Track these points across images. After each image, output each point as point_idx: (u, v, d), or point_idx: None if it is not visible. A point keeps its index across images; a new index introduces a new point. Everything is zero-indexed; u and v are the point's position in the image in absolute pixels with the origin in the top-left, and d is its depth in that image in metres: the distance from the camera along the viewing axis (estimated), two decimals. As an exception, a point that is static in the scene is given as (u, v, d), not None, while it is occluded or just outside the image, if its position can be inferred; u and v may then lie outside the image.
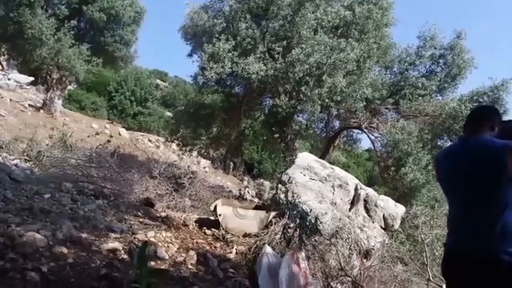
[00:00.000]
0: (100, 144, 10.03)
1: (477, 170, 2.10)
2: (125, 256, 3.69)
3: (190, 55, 10.31)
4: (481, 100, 8.52)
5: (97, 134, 13.74)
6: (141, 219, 5.35)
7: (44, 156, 7.59)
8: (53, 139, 9.38)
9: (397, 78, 10.28)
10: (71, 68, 13.01)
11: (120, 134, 16.69)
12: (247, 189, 13.27)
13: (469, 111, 8.16)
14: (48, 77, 14.13)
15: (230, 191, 11.73)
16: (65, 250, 3.37)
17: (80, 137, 10.54)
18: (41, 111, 14.37)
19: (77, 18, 13.13)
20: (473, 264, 2.04)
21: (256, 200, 10.08)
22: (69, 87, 17.72)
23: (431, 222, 5.78)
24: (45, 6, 12.79)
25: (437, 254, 5.44)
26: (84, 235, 3.93)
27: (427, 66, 10.16)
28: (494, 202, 2.04)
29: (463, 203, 2.19)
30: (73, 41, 12.77)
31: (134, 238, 4.39)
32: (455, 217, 2.29)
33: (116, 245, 3.89)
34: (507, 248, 1.95)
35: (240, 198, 9.88)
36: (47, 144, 8.65)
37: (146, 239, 4.43)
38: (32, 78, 18.74)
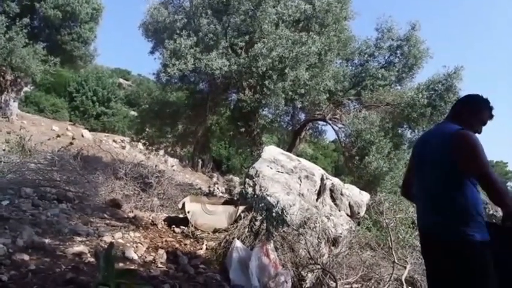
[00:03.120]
0: (62, 147, 9.67)
1: (435, 156, 2.22)
2: (92, 259, 3.60)
3: (152, 52, 10.16)
4: (436, 88, 8.91)
5: (58, 136, 13.24)
6: (107, 221, 5.23)
7: (0, 162, 7.25)
8: (10, 144, 8.98)
9: (358, 69, 10.58)
10: (26, 69, 12.40)
11: (83, 136, 16.19)
12: (216, 185, 13.28)
13: (425, 99, 8.60)
14: (1, 78, 13.42)
15: (200, 188, 11.68)
16: (26, 257, 3.24)
17: (40, 141, 10.12)
18: (-4, 115, 13.68)
19: (29, 16, 12.49)
20: (438, 245, 2.18)
21: (226, 195, 10.11)
22: (26, 88, 16.93)
23: (395, 207, 6.03)
24: (-7, 4, 12.15)
25: (401, 237, 5.69)
26: (47, 240, 3.80)
27: (386, 57, 10.52)
28: (451, 187, 2.14)
29: (426, 187, 2.30)
30: (27, 40, 12.17)
31: (101, 240, 4.29)
32: (419, 200, 2.41)
33: (81, 248, 3.79)
34: (468, 231, 2.05)
35: (210, 194, 9.88)
36: (4, 150, 8.27)
37: (113, 240, 4.35)
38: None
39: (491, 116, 2.38)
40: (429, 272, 2.32)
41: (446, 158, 2.14)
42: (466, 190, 2.10)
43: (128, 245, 4.40)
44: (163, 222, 5.73)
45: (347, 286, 4.47)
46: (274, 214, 4.97)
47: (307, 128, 11.65)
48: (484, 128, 2.39)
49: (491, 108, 2.37)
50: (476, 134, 2.27)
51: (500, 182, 2.06)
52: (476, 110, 2.34)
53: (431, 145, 2.28)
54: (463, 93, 8.69)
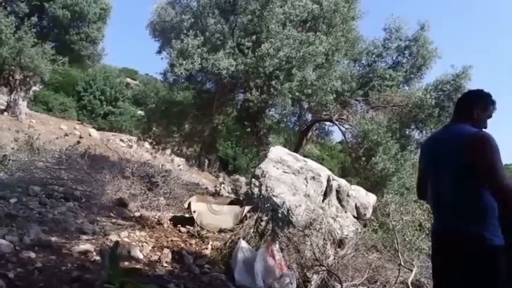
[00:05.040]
0: (70, 146, 9.75)
1: (451, 160, 2.16)
2: (97, 258, 3.62)
3: (159, 52, 10.19)
4: (445, 89, 8.83)
5: (66, 135, 13.33)
6: (114, 220, 5.26)
7: (9, 160, 7.32)
8: (19, 142, 9.06)
9: (366, 70, 10.51)
10: (34, 68, 12.56)
11: (90, 135, 16.28)
12: (223, 185, 13.27)
13: (433, 100, 8.53)
14: (10, 78, 13.56)
15: (206, 188, 11.69)
16: (32, 255, 3.27)
17: (48, 139, 10.19)
18: (5, 113, 13.82)
19: (37, 15, 12.60)
20: (455, 249, 2.13)
21: (232, 195, 10.10)
22: (35, 88, 17.11)
23: (401, 209, 5.97)
24: (3, 4, 12.27)
25: (407, 240, 5.63)
26: (53, 238, 3.83)
27: (394, 58, 10.44)
28: (468, 191, 2.10)
29: (442, 192, 2.26)
30: (35, 40, 12.31)
31: (107, 239, 4.31)
32: (433, 203, 2.38)
33: (87, 246, 3.81)
34: (487, 235, 2.02)
35: (216, 194, 9.87)
36: (13, 148, 8.35)
37: (119, 239, 4.36)
38: (-7, 80, 17.94)
39: (495, 110, 2.35)
40: (439, 276, 2.28)
41: (464, 161, 2.08)
42: (483, 194, 2.05)
43: (134, 244, 4.41)
44: (169, 222, 5.73)
45: (353, 288, 4.44)
46: (280, 215, 4.95)
47: (314, 128, 11.60)
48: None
49: (494, 102, 2.34)
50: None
51: None
52: (485, 106, 2.31)
53: (445, 149, 2.22)
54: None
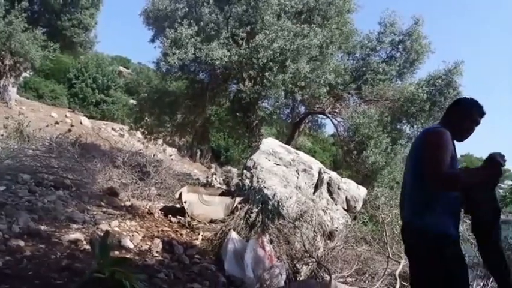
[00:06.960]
0: (60, 134, 9.64)
1: (411, 153, 2.32)
2: (87, 247, 3.61)
3: (152, 40, 10.09)
4: (437, 84, 8.88)
5: (56, 123, 13.18)
6: (104, 209, 5.24)
7: (-2, 147, 7.22)
8: (8, 129, 8.94)
9: (359, 63, 10.50)
10: (25, 54, 12.32)
11: (81, 123, 16.12)
12: (214, 176, 13.27)
13: (425, 95, 8.59)
14: (0, 63, 13.32)
15: (198, 179, 11.69)
16: (21, 243, 3.25)
17: (38, 127, 10.07)
18: (-6, 100, 13.61)
19: (29, 0, 12.34)
20: (404, 238, 2.35)
21: (224, 186, 10.12)
22: (25, 74, 16.82)
23: (391, 202, 6.05)
24: (-8, -14, 12.00)
25: (396, 232, 5.71)
26: (43, 227, 3.81)
27: (388, 52, 10.43)
28: (416, 181, 2.17)
29: (403, 186, 2.39)
30: (26, 25, 12.06)
31: (97, 228, 4.30)
32: (400, 197, 2.47)
33: (77, 235, 3.80)
34: (422, 224, 2.11)
35: (208, 185, 9.88)
36: (2, 135, 8.25)
37: (110, 228, 4.35)
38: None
39: (478, 123, 2.30)
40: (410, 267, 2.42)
41: (414, 154, 2.24)
42: (426, 186, 2.07)
43: (124, 233, 4.41)
44: (160, 212, 5.74)
45: (341, 280, 4.50)
46: (270, 207, 4.98)
47: (307, 121, 11.63)
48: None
49: (481, 114, 2.29)
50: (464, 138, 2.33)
51: (450, 173, 2.04)
52: (466, 115, 2.27)
53: (411, 147, 2.40)
54: (463, 89, 8.71)
